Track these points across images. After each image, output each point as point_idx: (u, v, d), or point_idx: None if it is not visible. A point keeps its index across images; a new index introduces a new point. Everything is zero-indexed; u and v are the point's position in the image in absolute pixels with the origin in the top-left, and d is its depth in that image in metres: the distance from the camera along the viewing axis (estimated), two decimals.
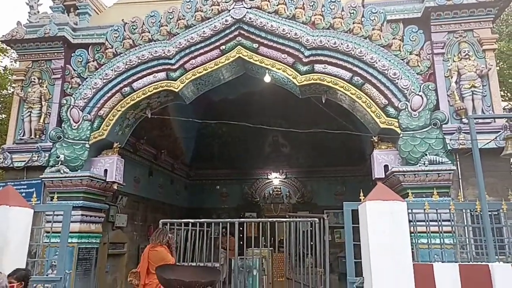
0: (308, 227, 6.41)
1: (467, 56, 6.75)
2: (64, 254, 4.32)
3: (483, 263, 3.77)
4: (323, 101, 7.62)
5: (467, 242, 5.33)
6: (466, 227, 5.31)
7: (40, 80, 7.87)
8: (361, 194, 4.24)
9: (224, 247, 7.72)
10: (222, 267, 7.11)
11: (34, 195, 4.83)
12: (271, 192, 14.22)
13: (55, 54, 7.97)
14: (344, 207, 4.10)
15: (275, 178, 14.26)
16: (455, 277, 3.54)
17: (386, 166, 6.79)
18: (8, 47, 11.18)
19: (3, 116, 13.39)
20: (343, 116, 8.58)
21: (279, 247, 9.11)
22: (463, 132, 6.34)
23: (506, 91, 12.72)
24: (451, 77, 6.71)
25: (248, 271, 6.59)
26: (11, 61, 13.88)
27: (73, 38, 8.00)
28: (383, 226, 3.64)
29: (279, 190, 14.19)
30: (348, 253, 3.98)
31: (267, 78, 7.67)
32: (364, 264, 3.80)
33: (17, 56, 8.93)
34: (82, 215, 6.94)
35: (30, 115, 7.66)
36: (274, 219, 6.89)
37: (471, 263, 3.88)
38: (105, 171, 7.46)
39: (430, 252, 4.40)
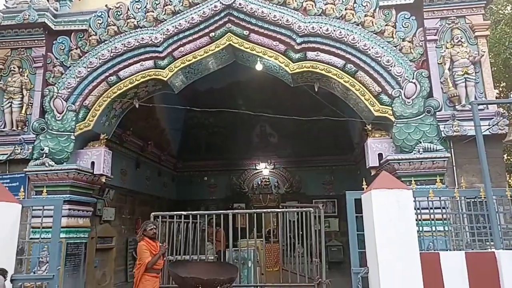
0: (296, 217, 6.33)
1: (459, 43, 6.73)
2: (56, 251, 4.11)
3: (489, 250, 3.75)
4: (316, 90, 7.52)
5: (462, 230, 5.34)
6: (461, 214, 5.31)
7: (21, 69, 7.50)
8: (364, 183, 4.16)
9: (211, 239, 7.52)
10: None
11: (22, 189, 4.58)
12: (259, 182, 14.11)
13: (36, 41, 7.61)
14: (346, 196, 4.00)
15: (264, 169, 14.16)
16: (461, 265, 3.51)
17: (380, 155, 6.75)
18: None
19: None
20: (333, 105, 8.50)
21: (268, 237, 9.03)
22: (456, 119, 6.36)
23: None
24: (444, 64, 6.67)
25: (243, 263, 6.47)
26: None
27: (55, 25, 7.63)
28: (390, 215, 3.56)
29: (268, 180, 14.10)
30: (352, 243, 3.89)
31: (258, 66, 7.49)
32: (369, 254, 3.72)
33: None
34: (69, 209, 6.68)
35: (11, 105, 7.29)
36: (270, 210, 6.78)
37: (476, 250, 3.85)
38: (92, 163, 7.20)
39: (423, 240, 4.33)
